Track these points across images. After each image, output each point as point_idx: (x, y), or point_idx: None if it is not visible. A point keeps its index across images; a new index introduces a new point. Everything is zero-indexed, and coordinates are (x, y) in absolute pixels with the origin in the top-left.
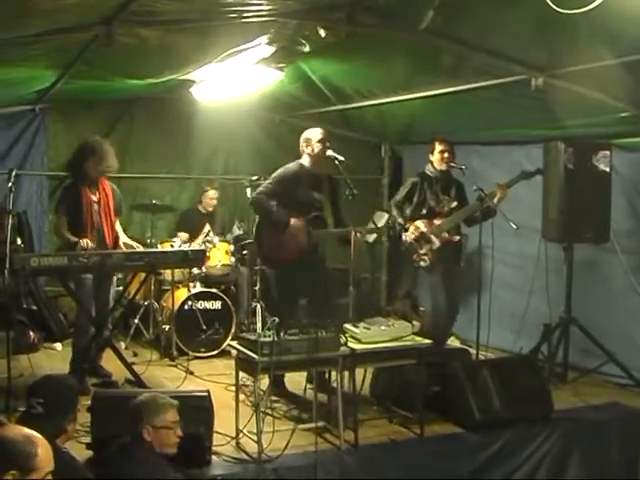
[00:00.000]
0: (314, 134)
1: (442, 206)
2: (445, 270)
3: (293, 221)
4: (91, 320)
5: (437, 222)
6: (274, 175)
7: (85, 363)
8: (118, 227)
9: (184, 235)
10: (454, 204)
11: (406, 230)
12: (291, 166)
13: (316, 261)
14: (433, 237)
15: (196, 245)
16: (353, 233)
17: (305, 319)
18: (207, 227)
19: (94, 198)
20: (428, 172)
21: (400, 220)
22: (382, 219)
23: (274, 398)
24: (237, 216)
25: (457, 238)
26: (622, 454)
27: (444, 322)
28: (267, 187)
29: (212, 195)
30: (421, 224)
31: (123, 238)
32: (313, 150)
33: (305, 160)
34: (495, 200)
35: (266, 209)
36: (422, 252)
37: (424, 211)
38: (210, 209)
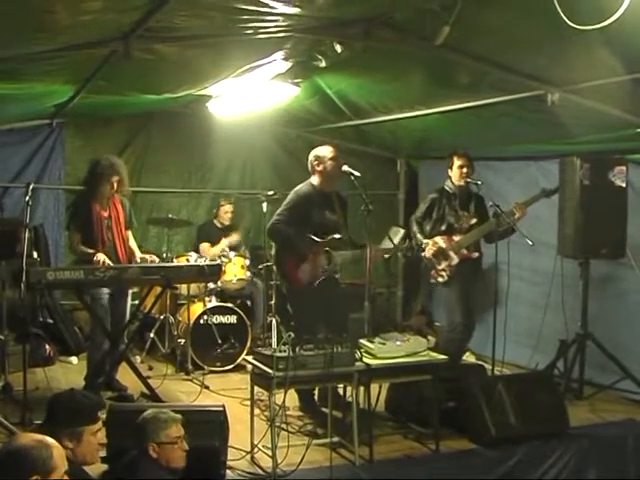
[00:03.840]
0: (326, 152)
1: (461, 222)
2: (463, 286)
3: (314, 250)
4: (106, 334)
5: (456, 238)
6: (287, 201)
7: (100, 377)
8: (132, 243)
9: (206, 245)
10: (473, 220)
11: (423, 250)
12: (302, 188)
13: (336, 283)
14: (452, 253)
15: (215, 256)
16: (370, 251)
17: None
18: (224, 241)
19: (105, 214)
20: (447, 188)
21: (420, 236)
22: (398, 235)
23: (289, 413)
24: (247, 241)
25: (476, 254)
26: (639, 471)
27: (460, 338)
28: (282, 214)
29: (227, 209)
30: (440, 240)
31: (138, 254)
32: (325, 169)
33: (315, 180)
34: (515, 218)
35: (284, 239)
36: (440, 268)
37: (443, 227)
38: (226, 223)
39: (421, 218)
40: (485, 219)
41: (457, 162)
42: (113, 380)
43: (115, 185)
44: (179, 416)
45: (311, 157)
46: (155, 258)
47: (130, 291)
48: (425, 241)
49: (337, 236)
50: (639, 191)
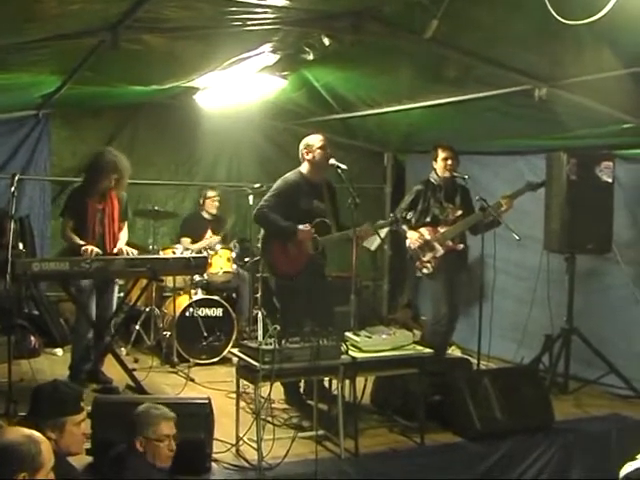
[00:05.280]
0: (315, 141)
1: (446, 214)
2: (448, 278)
3: (301, 227)
4: (91, 325)
5: (441, 230)
6: (274, 187)
7: (84, 367)
8: (124, 234)
9: (187, 240)
10: (458, 212)
11: (408, 221)
12: (290, 176)
13: (323, 276)
14: (437, 245)
15: (199, 249)
16: (356, 233)
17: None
18: (210, 232)
19: (99, 207)
20: (432, 180)
21: (404, 227)
22: (374, 243)
23: (275, 406)
24: (236, 234)
25: (461, 246)
26: (623, 465)
27: (444, 331)
28: (268, 200)
29: (213, 196)
30: (425, 231)
31: (120, 244)
32: (314, 157)
33: (305, 168)
34: (502, 210)
35: (271, 223)
36: (425, 259)
37: (428, 219)
38: (213, 211)
39: (406, 210)
40: (470, 211)
41: (441, 154)
42: (98, 372)
43: (113, 182)
44: (173, 414)
45: (301, 146)
46: (134, 252)
47: (117, 285)
48: (410, 232)
49: (324, 220)
50: (625, 186)
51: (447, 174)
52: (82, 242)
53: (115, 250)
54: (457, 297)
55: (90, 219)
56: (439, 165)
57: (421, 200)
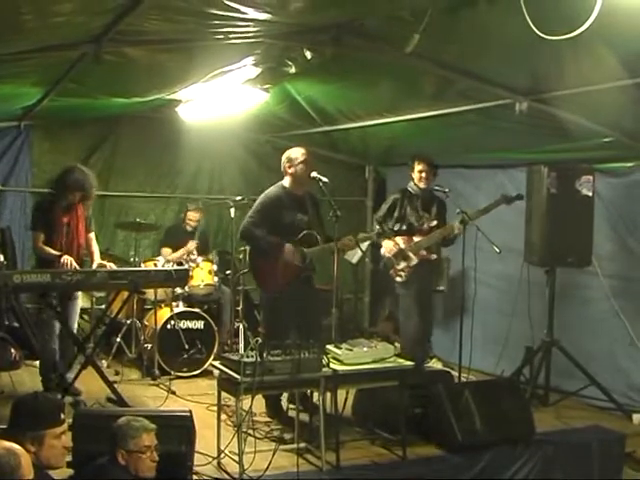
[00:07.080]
0: (297, 154)
1: (422, 223)
2: (420, 289)
3: (287, 245)
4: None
5: (416, 239)
6: (257, 203)
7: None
8: (96, 247)
9: (167, 250)
10: (434, 222)
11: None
12: (272, 190)
13: (311, 281)
14: (411, 254)
15: (175, 261)
16: (338, 246)
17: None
18: (190, 243)
19: (65, 220)
20: (410, 189)
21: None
22: (355, 256)
23: (256, 418)
24: (215, 246)
25: (434, 257)
26: (603, 477)
27: (417, 340)
28: (253, 217)
29: (192, 217)
30: (400, 240)
31: (97, 258)
32: (296, 171)
33: (287, 181)
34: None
35: (257, 239)
36: (399, 268)
37: (404, 227)
38: (194, 225)
39: (382, 218)
40: (443, 224)
41: (417, 167)
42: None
43: (78, 198)
44: (153, 426)
45: (283, 158)
46: (113, 265)
47: (79, 299)
48: (385, 241)
49: (311, 232)
50: (605, 200)
51: (422, 185)
52: (57, 252)
53: (94, 266)
54: (429, 309)
55: (58, 232)
56: (415, 176)
57: (397, 208)
